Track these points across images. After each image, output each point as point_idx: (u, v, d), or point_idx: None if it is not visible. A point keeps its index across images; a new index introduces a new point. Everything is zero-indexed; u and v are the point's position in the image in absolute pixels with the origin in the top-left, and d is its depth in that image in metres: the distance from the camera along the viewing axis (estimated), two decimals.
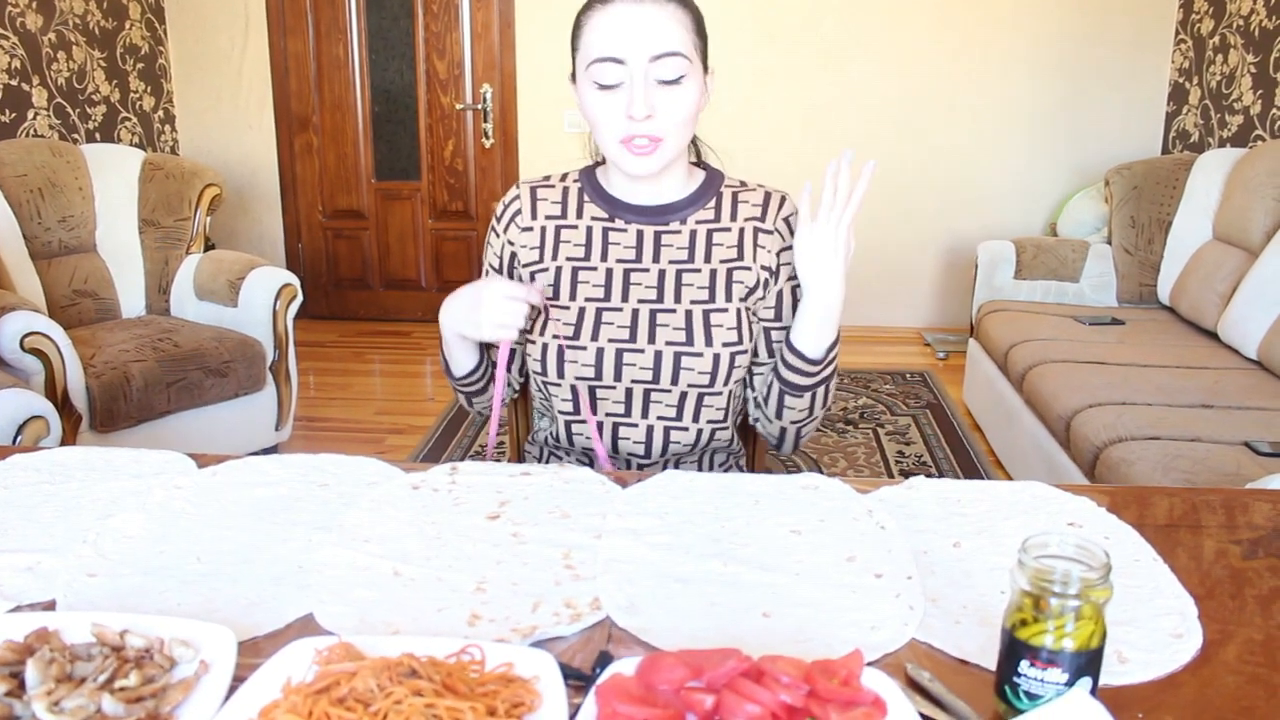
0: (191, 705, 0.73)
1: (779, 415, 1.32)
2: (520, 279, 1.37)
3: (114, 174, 3.39)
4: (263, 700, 0.72)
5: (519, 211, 1.36)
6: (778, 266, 1.32)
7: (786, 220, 1.32)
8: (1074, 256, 3.70)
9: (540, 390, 1.37)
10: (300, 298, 3.23)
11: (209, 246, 3.48)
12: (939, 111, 4.56)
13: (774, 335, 1.35)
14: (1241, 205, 3.16)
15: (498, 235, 1.38)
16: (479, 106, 4.71)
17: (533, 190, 1.37)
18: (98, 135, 4.11)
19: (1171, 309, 3.49)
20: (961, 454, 3.37)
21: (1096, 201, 4.02)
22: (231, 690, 0.74)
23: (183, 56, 4.71)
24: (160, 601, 0.91)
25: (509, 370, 1.42)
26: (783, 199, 1.33)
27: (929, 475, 1.18)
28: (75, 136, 3.96)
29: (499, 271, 1.39)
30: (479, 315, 1.24)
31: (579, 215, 1.34)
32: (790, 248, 1.31)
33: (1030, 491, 1.14)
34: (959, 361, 4.11)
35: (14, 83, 3.61)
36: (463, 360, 1.35)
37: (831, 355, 1.27)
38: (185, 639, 0.79)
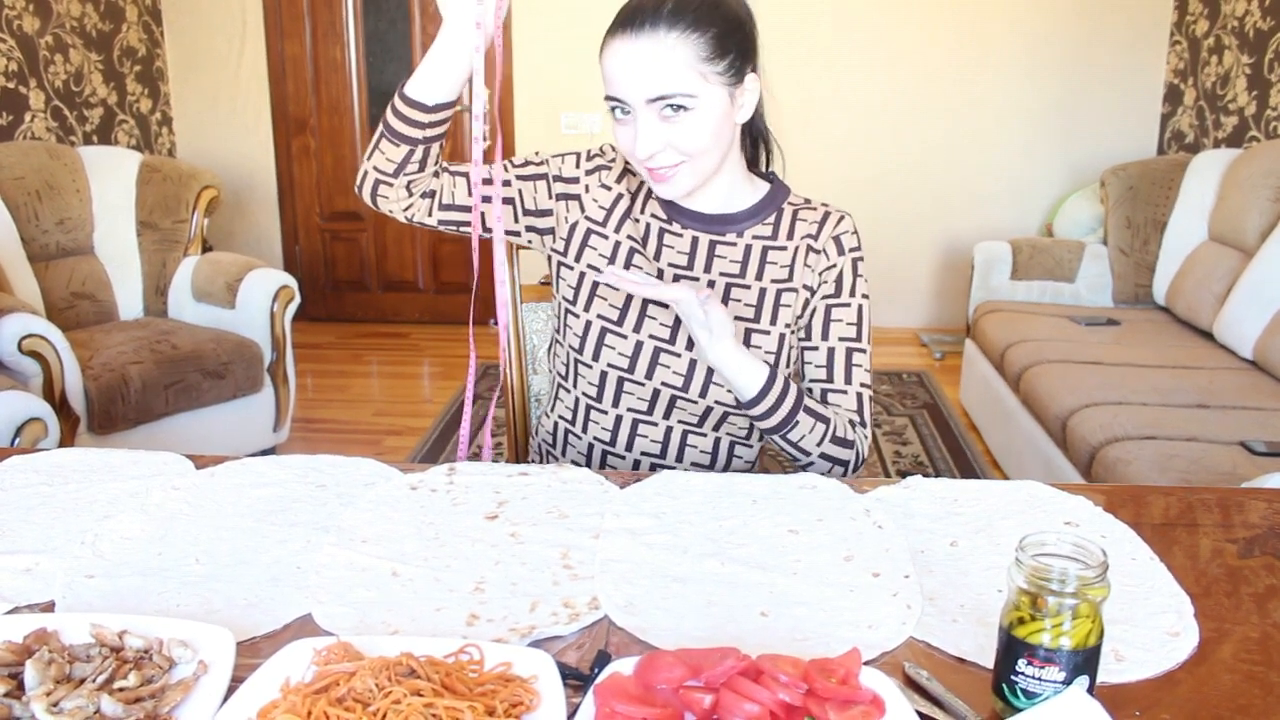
0: (190, 706, 0.74)
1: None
2: (567, 217, 1.31)
3: (111, 176, 3.39)
4: (261, 700, 0.72)
5: (609, 168, 1.33)
6: (818, 285, 1.29)
7: (837, 238, 1.29)
8: (1070, 257, 3.71)
9: (567, 369, 1.34)
10: (298, 299, 3.23)
11: (206, 248, 3.48)
12: (935, 112, 4.57)
13: (806, 356, 1.32)
14: (1236, 206, 3.16)
15: (576, 165, 1.32)
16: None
17: (626, 164, 1.34)
18: (95, 138, 4.10)
19: (1167, 309, 3.50)
20: (958, 454, 3.37)
21: (1092, 202, 4.03)
22: (230, 690, 0.74)
23: (180, 59, 4.71)
24: (159, 602, 0.91)
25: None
26: (841, 217, 1.31)
27: (926, 475, 1.19)
28: (72, 139, 3.95)
29: (545, 179, 1.31)
30: None
31: (642, 211, 1.32)
32: (834, 266, 1.29)
33: (1027, 491, 1.14)
34: (955, 362, 4.12)
35: (11, 85, 3.61)
36: (436, 79, 1.15)
37: (758, 408, 1.21)
38: (184, 639, 0.79)
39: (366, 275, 5.01)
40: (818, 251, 1.29)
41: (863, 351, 1.30)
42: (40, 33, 3.75)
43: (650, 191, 1.32)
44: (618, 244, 1.30)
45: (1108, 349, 3.03)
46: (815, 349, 1.30)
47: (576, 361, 1.31)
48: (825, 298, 1.30)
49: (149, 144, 4.55)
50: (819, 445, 1.24)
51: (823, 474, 1.22)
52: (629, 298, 1.28)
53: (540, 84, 4.61)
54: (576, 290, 1.31)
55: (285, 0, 4.65)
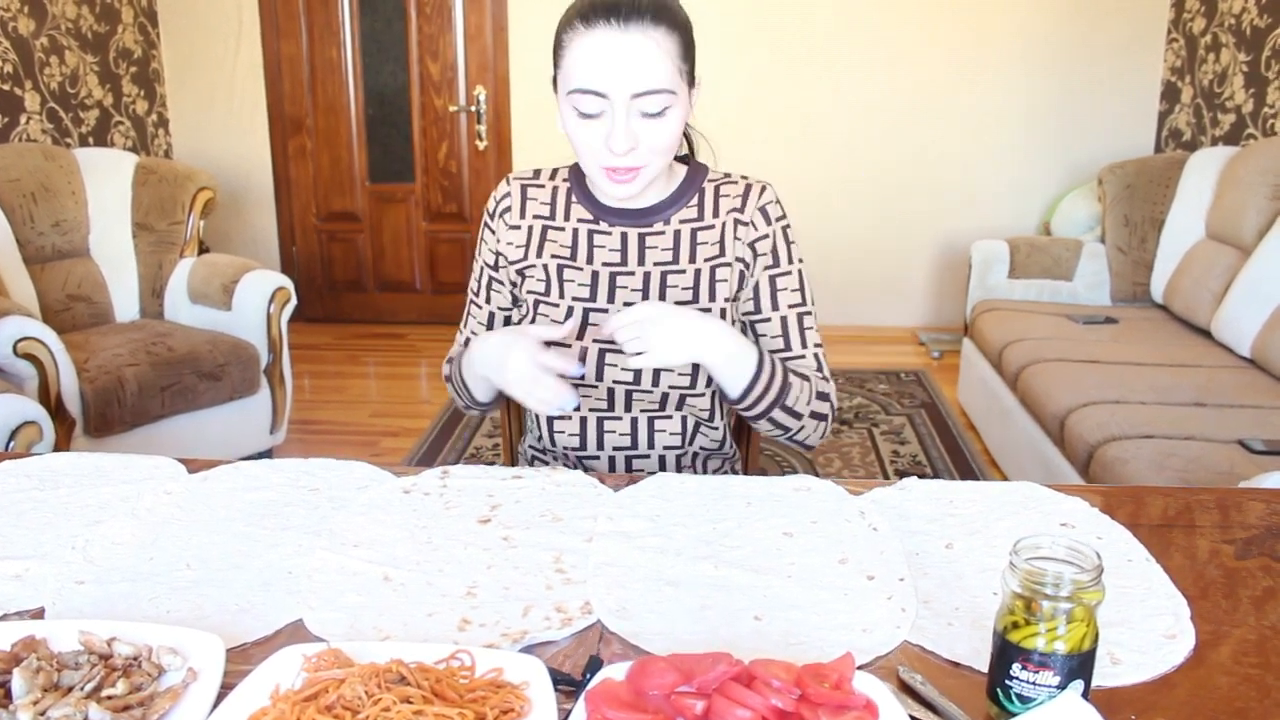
0: (179, 713, 0.73)
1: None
2: (511, 279, 1.36)
3: (107, 178, 3.38)
4: (251, 708, 0.72)
5: (509, 209, 1.35)
6: (754, 257, 1.30)
7: (763, 209, 1.30)
8: (1067, 255, 3.70)
9: None
10: (294, 301, 3.23)
11: (203, 250, 3.47)
12: (933, 111, 4.56)
13: (759, 329, 1.32)
14: (1234, 204, 3.16)
15: (491, 232, 1.37)
16: (472, 109, 4.70)
17: (523, 188, 1.36)
18: (91, 139, 4.09)
19: (1165, 307, 3.49)
20: (956, 454, 3.37)
21: (1090, 200, 4.02)
22: (220, 698, 0.74)
23: (176, 60, 4.70)
24: (149, 608, 0.90)
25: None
26: (763, 188, 1.31)
27: (924, 475, 1.18)
28: (68, 140, 3.94)
29: (494, 268, 1.36)
30: (508, 377, 1.17)
31: (566, 217, 1.33)
32: (766, 237, 1.30)
33: (1023, 492, 1.14)
34: (953, 361, 4.11)
35: (6, 87, 3.60)
36: (484, 392, 1.32)
37: (753, 392, 1.20)
38: (173, 646, 0.79)
39: (363, 276, 5.00)
40: (745, 224, 1.30)
41: (810, 314, 1.33)
42: (35, 34, 3.74)
43: (569, 196, 1.33)
44: (545, 266, 1.32)
45: (1105, 347, 3.03)
46: (768, 320, 1.31)
47: None
48: (766, 269, 1.30)
49: (145, 145, 4.54)
50: (808, 405, 1.25)
51: (808, 436, 1.27)
52: (568, 311, 1.30)
53: (535, 84, 4.61)
54: (522, 319, 1.34)
55: (281, 0, 4.65)
